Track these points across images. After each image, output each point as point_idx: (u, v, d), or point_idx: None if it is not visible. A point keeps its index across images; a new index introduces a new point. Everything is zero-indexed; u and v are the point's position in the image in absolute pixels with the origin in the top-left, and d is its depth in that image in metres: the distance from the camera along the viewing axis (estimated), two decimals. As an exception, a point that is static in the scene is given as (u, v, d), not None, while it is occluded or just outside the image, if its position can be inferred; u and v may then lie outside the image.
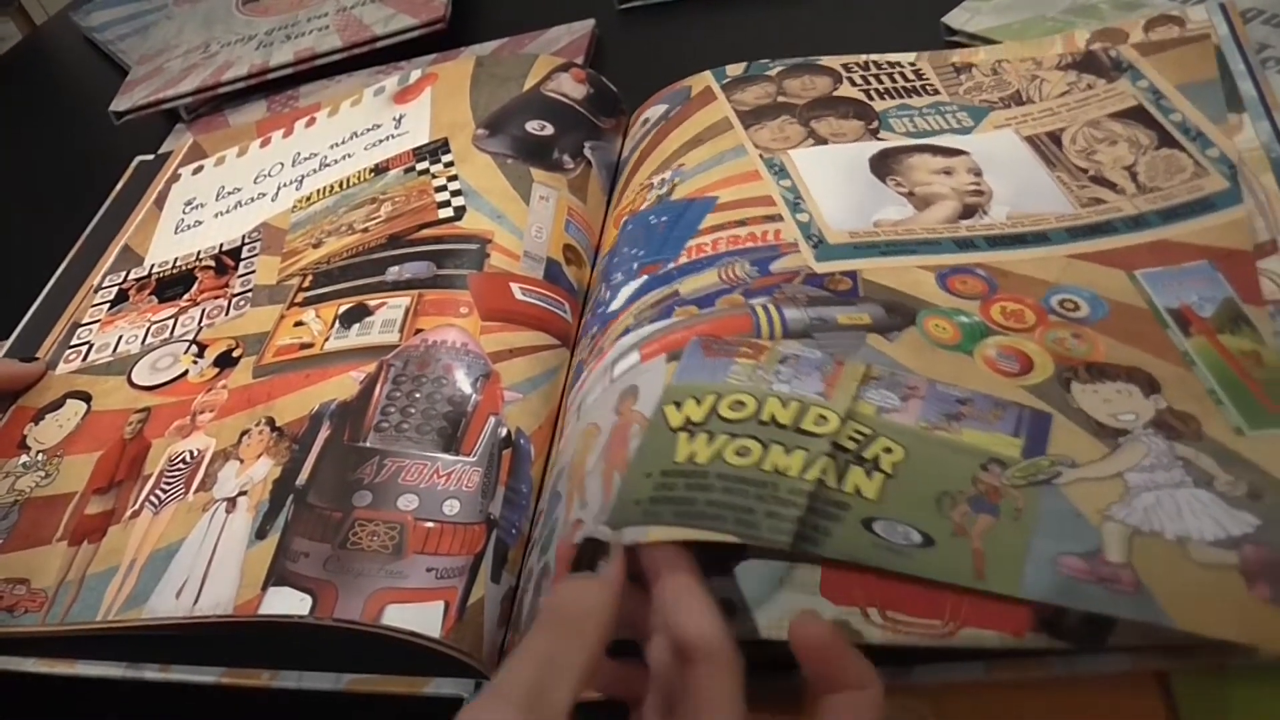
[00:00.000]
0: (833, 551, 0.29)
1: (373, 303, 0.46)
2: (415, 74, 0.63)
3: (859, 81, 0.50)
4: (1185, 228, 0.38)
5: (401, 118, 0.59)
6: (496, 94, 0.58)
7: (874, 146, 0.46)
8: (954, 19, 0.56)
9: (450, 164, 0.53)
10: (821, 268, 0.40)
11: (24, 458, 0.45)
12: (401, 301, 0.45)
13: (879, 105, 0.49)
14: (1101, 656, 0.28)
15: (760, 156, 0.47)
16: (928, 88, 0.49)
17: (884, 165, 0.45)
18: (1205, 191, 0.39)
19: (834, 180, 0.45)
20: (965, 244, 0.40)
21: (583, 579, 0.29)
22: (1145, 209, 0.39)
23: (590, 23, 0.70)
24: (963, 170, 0.44)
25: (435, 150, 0.55)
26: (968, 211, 0.42)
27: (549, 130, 0.54)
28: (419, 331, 0.43)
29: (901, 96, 0.49)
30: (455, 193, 0.51)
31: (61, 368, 0.51)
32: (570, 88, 0.58)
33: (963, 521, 0.30)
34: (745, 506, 0.30)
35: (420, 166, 0.54)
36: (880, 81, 0.50)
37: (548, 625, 0.27)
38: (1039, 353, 0.35)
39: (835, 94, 0.50)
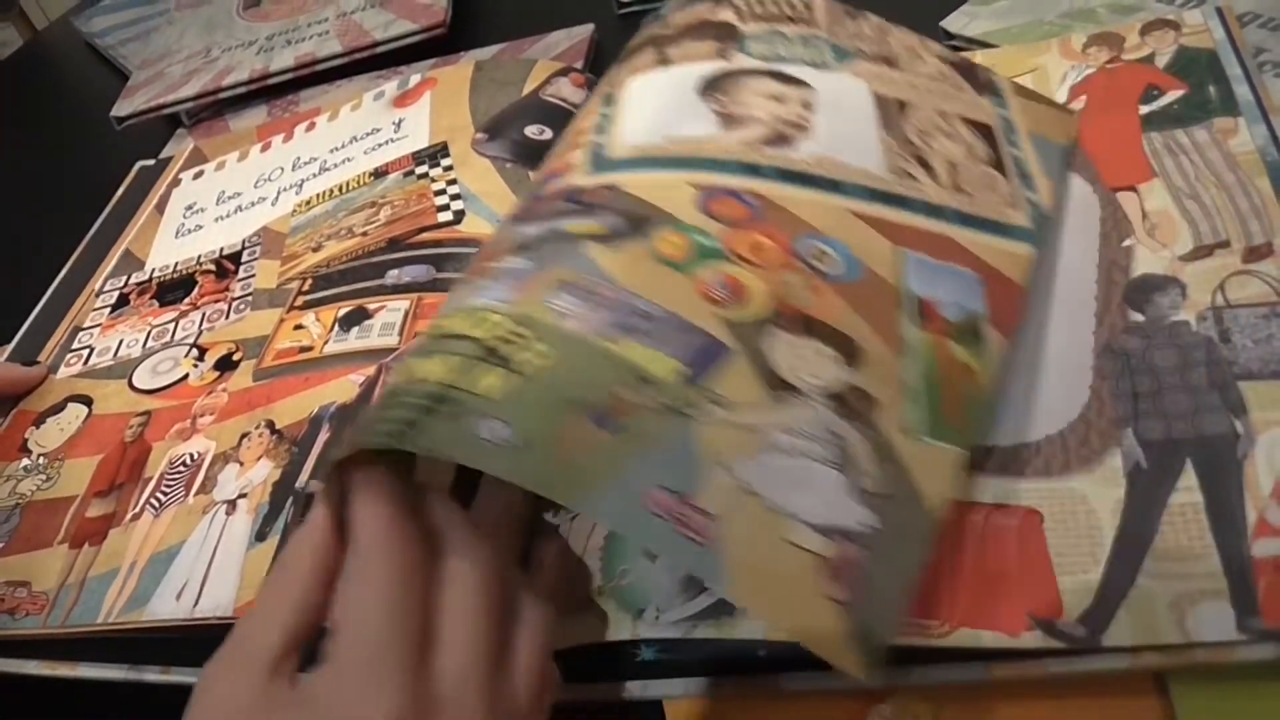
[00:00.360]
0: (415, 445, 0.27)
1: (372, 306, 0.46)
2: (415, 78, 0.63)
3: (740, 4, 0.47)
4: (973, 236, 0.37)
5: (401, 122, 0.60)
6: (496, 98, 0.58)
7: (713, 67, 0.43)
8: (952, 23, 0.56)
9: (449, 168, 0.54)
10: (587, 182, 0.37)
11: (25, 461, 0.46)
12: (401, 305, 0.45)
13: (749, 28, 0.45)
14: (1099, 656, 0.28)
15: (603, 93, 0.44)
16: (809, 20, 0.46)
17: (716, 85, 0.42)
18: (1007, 219, 0.38)
19: (652, 101, 0.42)
20: (750, 169, 0.38)
21: (297, 531, 0.29)
22: (947, 203, 0.38)
23: (589, 27, 0.70)
24: (795, 101, 0.41)
25: (434, 154, 0.55)
26: (775, 140, 0.39)
27: (548, 135, 0.54)
28: (418, 334, 0.43)
29: (776, 22, 0.46)
30: (454, 196, 0.51)
31: (63, 371, 0.51)
32: (569, 92, 0.58)
33: (572, 431, 0.27)
34: (379, 418, 0.28)
35: (419, 170, 0.54)
36: (763, 6, 0.47)
37: (266, 580, 0.28)
38: (761, 291, 0.33)
39: (709, 19, 0.46)
